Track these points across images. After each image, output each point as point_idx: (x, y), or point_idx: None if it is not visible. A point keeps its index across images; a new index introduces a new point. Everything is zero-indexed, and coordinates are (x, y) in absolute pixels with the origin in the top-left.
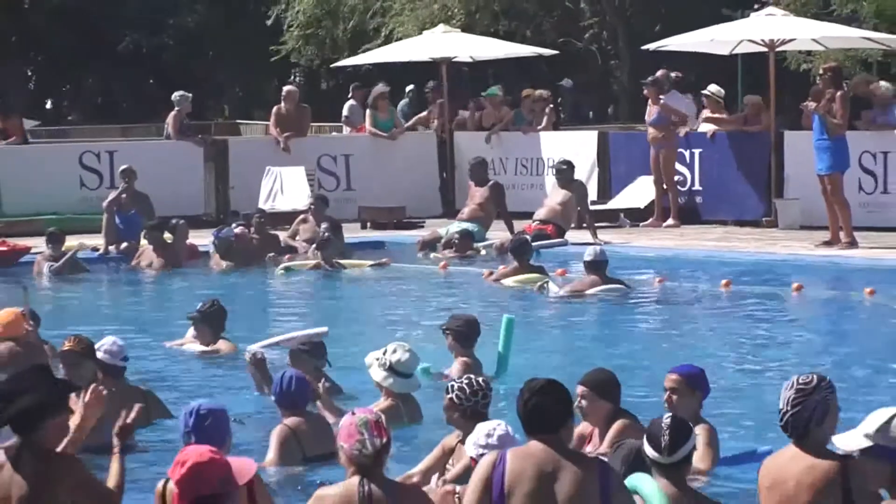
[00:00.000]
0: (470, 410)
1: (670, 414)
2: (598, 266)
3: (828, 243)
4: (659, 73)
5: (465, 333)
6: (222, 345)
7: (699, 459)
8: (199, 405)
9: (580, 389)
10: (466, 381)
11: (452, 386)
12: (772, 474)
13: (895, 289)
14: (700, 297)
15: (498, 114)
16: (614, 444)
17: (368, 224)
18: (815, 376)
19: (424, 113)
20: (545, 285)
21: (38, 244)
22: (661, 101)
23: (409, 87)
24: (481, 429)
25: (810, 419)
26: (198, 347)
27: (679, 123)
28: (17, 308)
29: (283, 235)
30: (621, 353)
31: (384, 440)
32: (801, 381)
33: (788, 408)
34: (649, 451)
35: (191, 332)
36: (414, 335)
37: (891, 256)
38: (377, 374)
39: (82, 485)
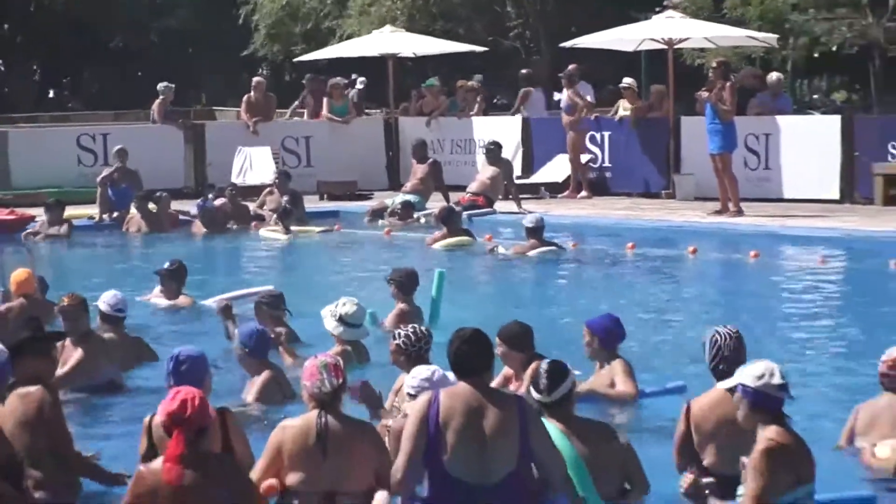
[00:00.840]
0: (414, 354)
1: (548, 360)
2: (537, 231)
3: (718, 212)
4: (571, 67)
5: (405, 283)
6: (183, 300)
7: (623, 385)
8: (179, 352)
9: (497, 341)
10: (411, 330)
11: (399, 334)
12: (715, 414)
13: (776, 251)
14: (609, 258)
15: (436, 102)
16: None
17: (325, 196)
18: (735, 328)
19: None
20: (496, 248)
21: (41, 213)
22: (572, 91)
23: (361, 79)
24: (419, 371)
25: (741, 363)
26: (164, 302)
27: (587, 110)
28: (28, 269)
29: (252, 206)
30: (544, 305)
31: (340, 381)
32: (733, 332)
33: (727, 353)
34: (533, 394)
35: (157, 288)
36: (362, 291)
37: (772, 223)
38: (330, 325)
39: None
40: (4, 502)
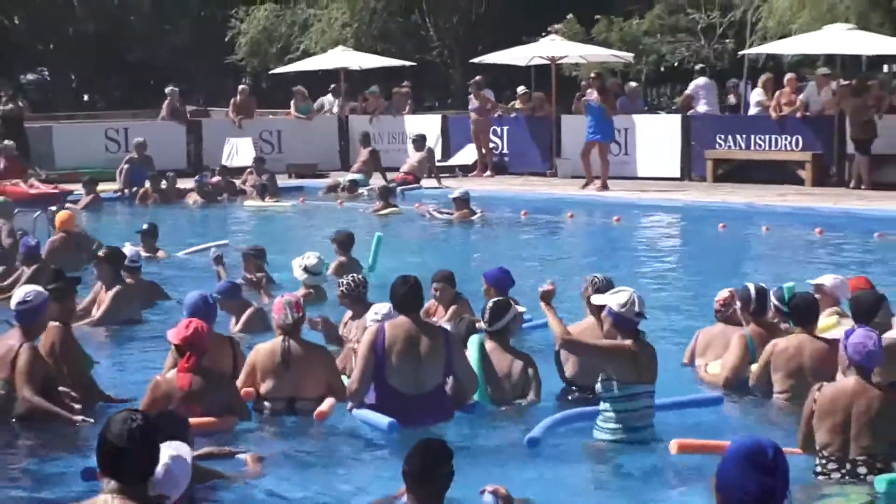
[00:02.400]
0: (355, 296)
1: (494, 299)
2: (464, 201)
3: (584, 186)
4: (478, 77)
5: (344, 241)
6: (161, 253)
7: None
8: (193, 294)
9: (436, 284)
10: (352, 278)
11: (342, 281)
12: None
13: (633, 216)
14: (508, 223)
15: (377, 104)
16: (455, 317)
17: (293, 175)
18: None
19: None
20: (434, 214)
21: (79, 188)
22: (481, 94)
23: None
24: (378, 308)
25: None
26: (143, 253)
27: (492, 109)
28: (73, 208)
29: (237, 182)
30: (459, 259)
31: (300, 314)
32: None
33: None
34: (481, 323)
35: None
36: (320, 248)
37: (630, 196)
38: (297, 272)
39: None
40: (43, 417)
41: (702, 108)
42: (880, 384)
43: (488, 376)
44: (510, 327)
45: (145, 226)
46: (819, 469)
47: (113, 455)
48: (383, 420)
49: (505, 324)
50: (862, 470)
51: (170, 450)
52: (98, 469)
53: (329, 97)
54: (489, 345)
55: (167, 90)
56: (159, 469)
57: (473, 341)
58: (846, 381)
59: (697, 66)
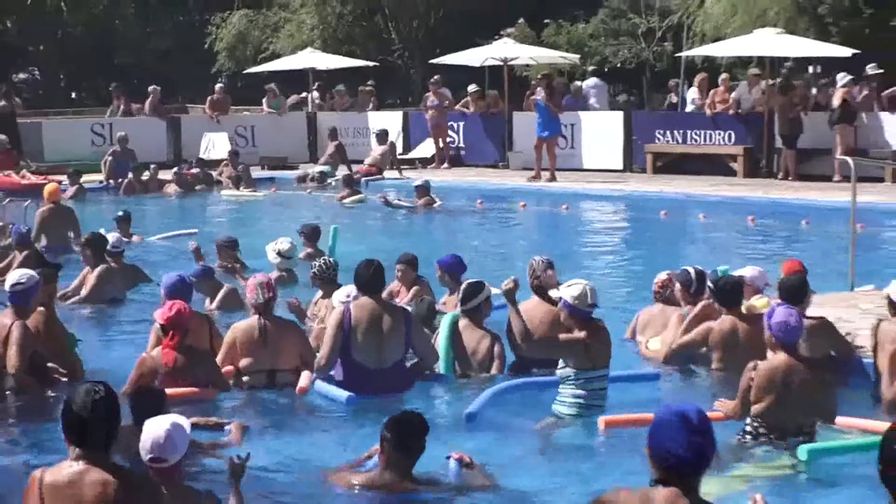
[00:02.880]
0: (326, 277)
1: (469, 280)
2: (424, 189)
3: (533, 178)
4: (436, 76)
5: (310, 234)
6: (135, 238)
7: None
8: (171, 275)
9: (399, 266)
10: (323, 261)
11: (315, 264)
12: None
13: (579, 205)
14: (464, 211)
15: (342, 101)
16: (416, 297)
17: (265, 166)
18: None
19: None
20: (397, 201)
21: (65, 179)
22: (439, 92)
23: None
24: (343, 290)
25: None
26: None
27: (449, 106)
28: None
29: (214, 173)
30: (420, 244)
31: (270, 294)
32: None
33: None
34: (439, 305)
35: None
36: (291, 233)
37: (576, 186)
38: (271, 257)
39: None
40: (31, 390)
41: (593, 104)
42: (808, 359)
43: (456, 352)
44: (482, 308)
45: (120, 212)
46: (749, 430)
47: (77, 424)
48: (342, 394)
49: (477, 304)
50: (789, 438)
51: (171, 418)
52: (64, 437)
53: (315, 94)
54: (462, 322)
55: (150, 88)
56: (161, 434)
57: (447, 319)
58: (777, 358)
59: (590, 68)
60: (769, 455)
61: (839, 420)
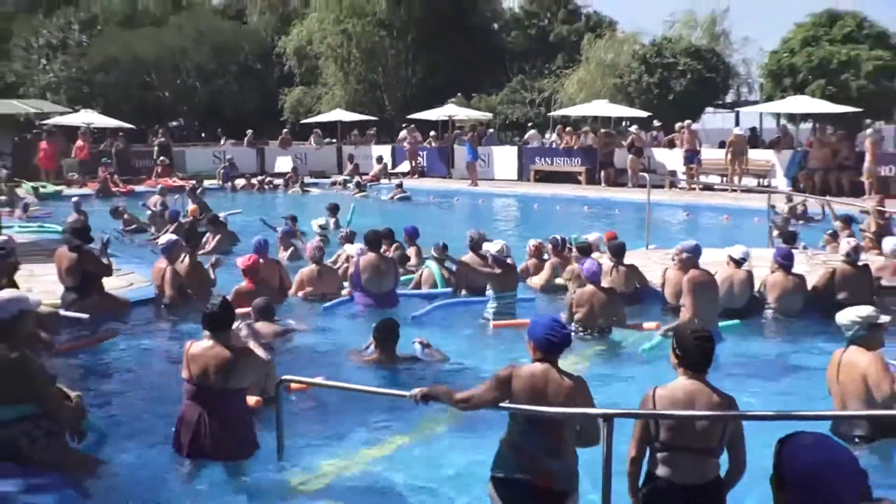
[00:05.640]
0: (348, 238)
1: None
2: (399, 186)
3: (470, 184)
4: (412, 125)
5: (333, 209)
6: (221, 214)
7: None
8: (256, 238)
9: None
10: (348, 230)
11: (342, 231)
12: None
13: (492, 201)
14: (425, 202)
15: (358, 139)
16: (418, 256)
17: (312, 176)
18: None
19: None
20: (393, 198)
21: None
22: (413, 134)
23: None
24: (356, 245)
25: None
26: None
27: (419, 142)
28: (193, 182)
29: (281, 180)
30: (406, 221)
31: (321, 252)
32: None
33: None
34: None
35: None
36: (325, 214)
37: (490, 189)
38: (315, 228)
39: None
40: (178, 307)
41: (534, 143)
42: (605, 288)
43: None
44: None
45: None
46: (575, 329)
47: (208, 318)
48: (346, 298)
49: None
50: (595, 333)
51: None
52: (202, 325)
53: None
54: (434, 265)
55: (247, 132)
56: (243, 326)
57: (433, 264)
58: (586, 288)
59: (529, 123)
60: (583, 346)
61: (629, 323)
